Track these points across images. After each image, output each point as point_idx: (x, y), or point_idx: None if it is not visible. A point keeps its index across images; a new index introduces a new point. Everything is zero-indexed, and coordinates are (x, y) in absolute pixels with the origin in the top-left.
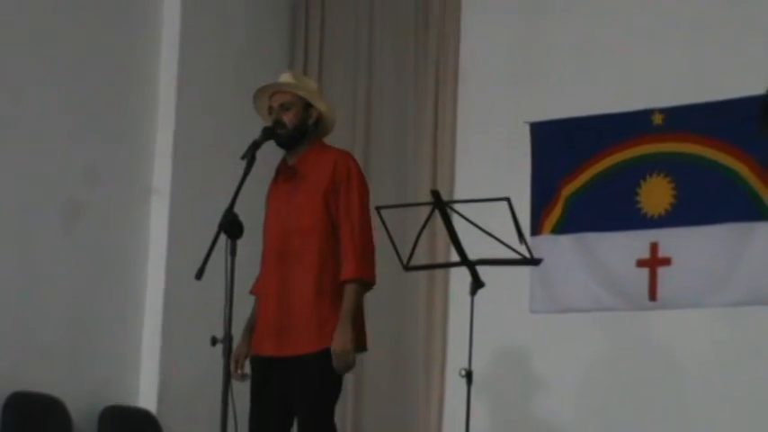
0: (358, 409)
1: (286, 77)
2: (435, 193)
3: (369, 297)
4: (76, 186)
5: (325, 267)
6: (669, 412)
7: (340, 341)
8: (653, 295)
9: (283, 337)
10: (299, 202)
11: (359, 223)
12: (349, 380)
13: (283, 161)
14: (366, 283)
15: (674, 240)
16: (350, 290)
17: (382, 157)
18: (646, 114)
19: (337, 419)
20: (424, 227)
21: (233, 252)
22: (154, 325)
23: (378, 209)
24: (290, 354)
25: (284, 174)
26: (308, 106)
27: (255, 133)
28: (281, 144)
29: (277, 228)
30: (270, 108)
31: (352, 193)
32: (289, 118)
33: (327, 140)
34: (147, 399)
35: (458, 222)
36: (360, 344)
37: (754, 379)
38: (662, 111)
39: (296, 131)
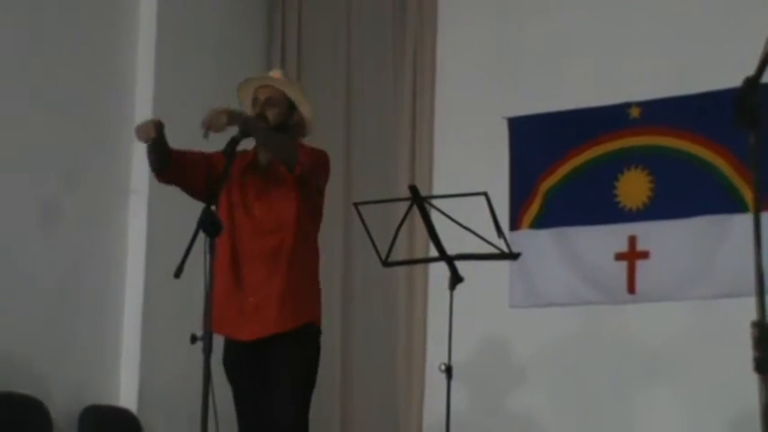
0: (346, 405)
1: (277, 74)
2: (413, 189)
3: (350, 293)
4: (54, 187)
5: (300, 258)
6: (648, 404)
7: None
8: (631, 288)
9: (261, 322)
10: (275, 201)
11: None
12: (336, 375)
13: (255, 154)
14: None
15: (652, 233)
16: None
17: (363, 153)
18: (623, 108)
19: (325, 412)
20: (402, 222)
21: (211, 250)
22: (133, 324)
23: (355, 205)
24: (270, 333)
25: (255, 169)
26: (291, 108)
27: (233, 131)
28: None
29: (250, 224)
30: (255, 100)
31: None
32: (272, 114)
33: (310, 136)
34: (127, 398)
35: (436, 217)
36: (315, 319)
37: (732, 371)
38: (639, 104)
39: (276, 129)
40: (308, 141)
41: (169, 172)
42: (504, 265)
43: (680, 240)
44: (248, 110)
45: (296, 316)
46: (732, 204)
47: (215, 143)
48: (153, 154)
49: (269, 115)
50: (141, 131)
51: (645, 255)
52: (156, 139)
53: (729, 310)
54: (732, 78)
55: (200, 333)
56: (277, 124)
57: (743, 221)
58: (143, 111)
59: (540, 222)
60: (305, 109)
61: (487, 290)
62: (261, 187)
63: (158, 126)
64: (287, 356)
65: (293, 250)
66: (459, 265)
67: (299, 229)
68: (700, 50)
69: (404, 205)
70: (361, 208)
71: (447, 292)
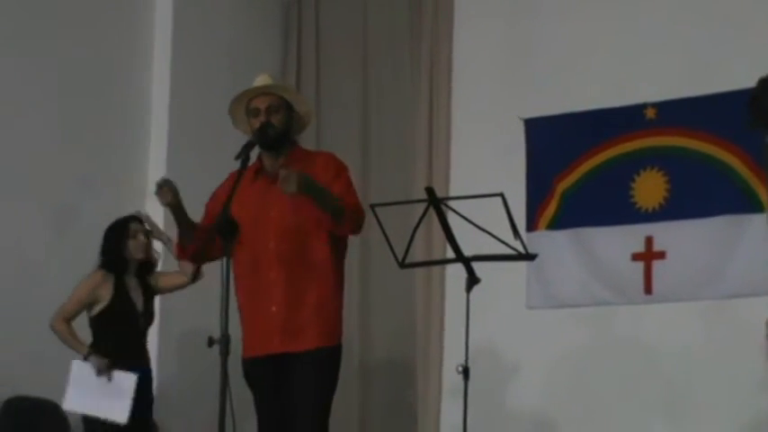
0: (364, 405)
1: (267, 80)
2: (430, 190)
3: (367, 294)
4: (71, 192)
5: (328, 265)
6: (665, 404)
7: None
8: (648, 289)
9: (290, 335)
10: (297, 203)
11: (356, 201)
12: (354, 375)
13: (260, 162)
14: (350, 216)
15: (668, 234)
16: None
17: (380, 155)
18: (639, 109)
19: (344, 412)
20: (419, 224)
21: (228, 253)
22: (151, 327)
23: (372, 206)
24: (299, 350)
25: (267, 175)
26: (289, 109)
27: (247, 136)
28: (268, 145)
29: (272, 229)
30: (256, 110)
31: (346, 183)
32: (277, 119)
33: (328, 139)
34: None
35: (453, 219)
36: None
37: (748, 370)
38: (654, 105)
39: (283, 133)
40: (325, 144)
41: (190, 247)
42: (520, 266)
43: (696, 241)
44: (244, 123)
45: (326, 335)
46: (748, 204)
47: (231, 149)
48: (181, 228)
49: (275, 122)
50: (160, 195)
51: (661, 255)
52: (174, 204)
53: (746, 309)
54: (747, 79)
55: (217, 336)
56: (283, 127)
57: (759, 221)
58: (159, 115)
59: (557, 223)
60: (302, 106)
61: (504, 291)
62: (275, 191)
63: (173, 191)
64: (313, 377)
65: (321, 260)
66: (476, 266)
67: (323, 236)
68: (715, 51)
69: (421, 207)
70: (378, 210)
71: (464, 294)
